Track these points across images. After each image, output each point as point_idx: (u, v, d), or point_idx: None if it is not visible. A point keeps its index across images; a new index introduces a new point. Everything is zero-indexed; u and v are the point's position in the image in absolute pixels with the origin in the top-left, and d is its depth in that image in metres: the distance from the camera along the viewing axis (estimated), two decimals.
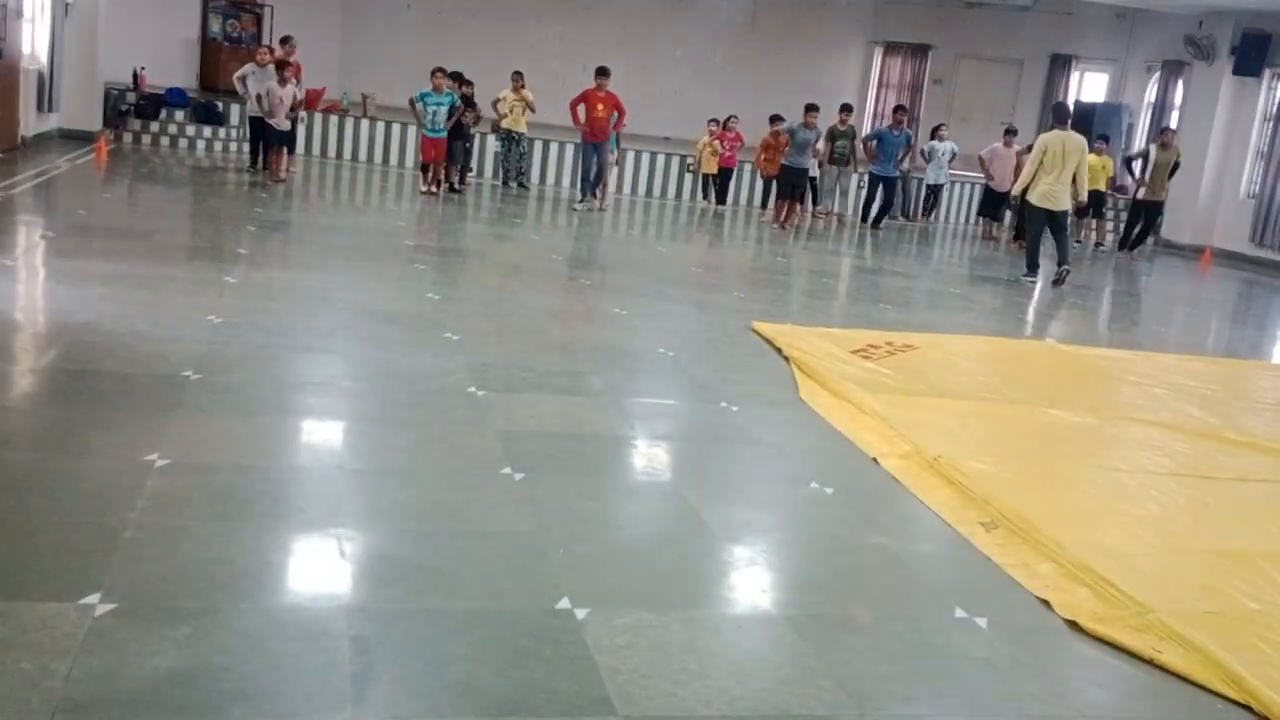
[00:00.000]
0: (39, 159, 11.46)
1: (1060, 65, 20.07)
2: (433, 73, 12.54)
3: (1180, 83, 17.62)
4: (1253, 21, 15.85)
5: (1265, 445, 5.64)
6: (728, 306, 8.19)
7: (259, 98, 12.21)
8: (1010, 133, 15.52)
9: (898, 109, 15.56)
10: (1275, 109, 16.10)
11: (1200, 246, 16.11)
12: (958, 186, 17.02)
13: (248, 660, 2.60)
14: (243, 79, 12.51)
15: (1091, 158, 14.93)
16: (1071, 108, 19.54)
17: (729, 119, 15.35)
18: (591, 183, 13.21)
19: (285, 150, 12.26)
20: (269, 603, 2.94)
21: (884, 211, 15.11)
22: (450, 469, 4.09)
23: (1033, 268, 11.24)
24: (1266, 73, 16.06)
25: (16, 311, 5.68)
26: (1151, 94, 18.48)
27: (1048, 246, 11.25)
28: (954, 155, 15.78)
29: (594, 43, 19.58)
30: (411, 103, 12.46)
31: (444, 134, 12.44)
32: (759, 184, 16.01)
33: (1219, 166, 16.53)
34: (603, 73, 12.82)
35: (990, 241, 15.15)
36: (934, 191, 16.26)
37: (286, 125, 12.20)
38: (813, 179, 14.95)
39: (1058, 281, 11.00)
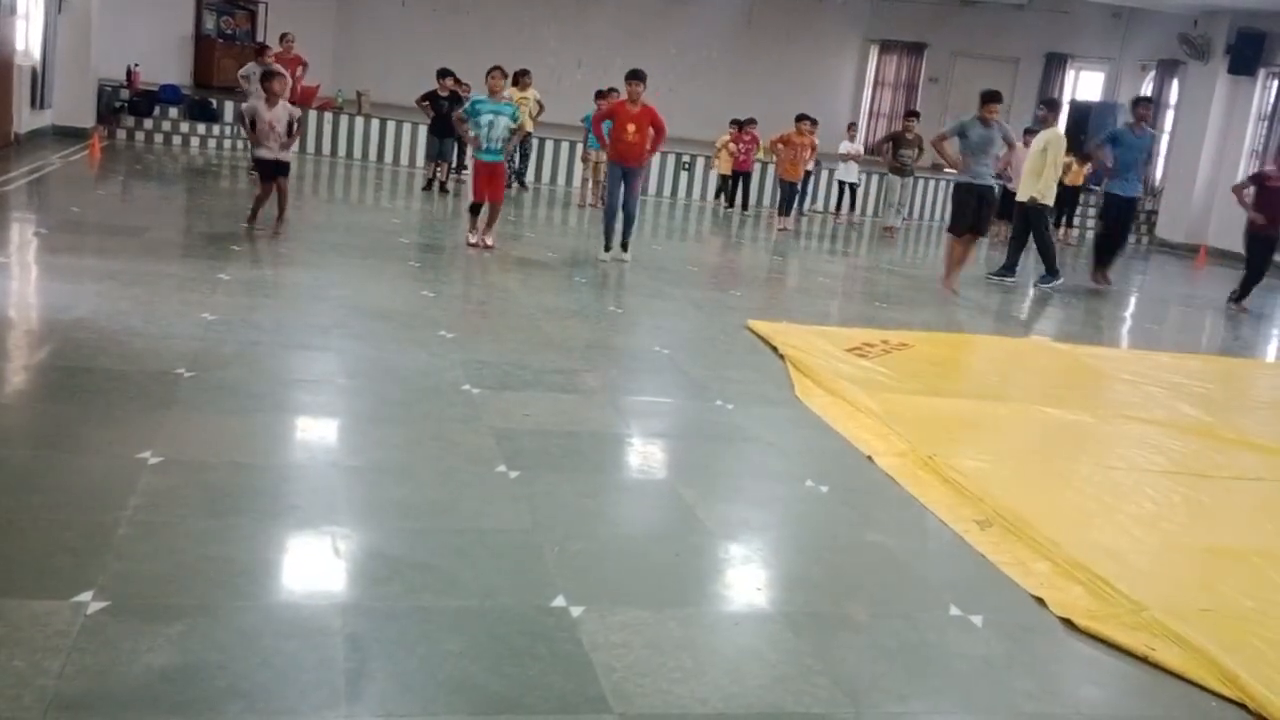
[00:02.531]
0: (32, 156, 11.43)
1: (1056, 64, 20.11)
2: (489, 73, 9.37)
3: (1175, 81, 17.66)
4: (1248, 20, 15.88)
5: (1260, 444, 5.64)
6: (724, 304, 8.19)
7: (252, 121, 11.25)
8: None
9: (1140, 101, 11.12)
10: (1270, 108, 16.14)
11: (1195, 245, 16.12)
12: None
13: (242, 658, 2.59)
14: (247, 78, 12.30)
15: None
16: (1066, 106, 19.64)
17: (747, 121, 14.77)
18: (622, 228, 9.57)
19: (281, 186, 8.77)
20: (263, 600, 2.93)
21: (1113, 251, 11.56)
22: (445, 466, 4.08)
23: (1056, 270, 10.79)
24: (1261, 72, 16.09)
25: (9, 309, 5.66)
26: (1146, 93, 18.50)
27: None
28: None
29: (589, 40, 19.61)
30: (457, 118, 9.70)
31: (501, 158, 9.39)
32: (761, 181, 15.86)
33: (1214, 165, 16.54)
34: (635, 77, 9.16)
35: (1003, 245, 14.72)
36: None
37: (285, 155, 8.78)
38: (796, 182, 14.24)
39: (1002, 276, 10.79)
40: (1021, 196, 10.89)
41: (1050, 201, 10.85)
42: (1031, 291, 10.74)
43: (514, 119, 9.28)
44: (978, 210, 9.57)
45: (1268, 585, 3.72)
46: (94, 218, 8.86)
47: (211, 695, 2.43)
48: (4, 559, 2.94)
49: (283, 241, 8.48)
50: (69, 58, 13.24)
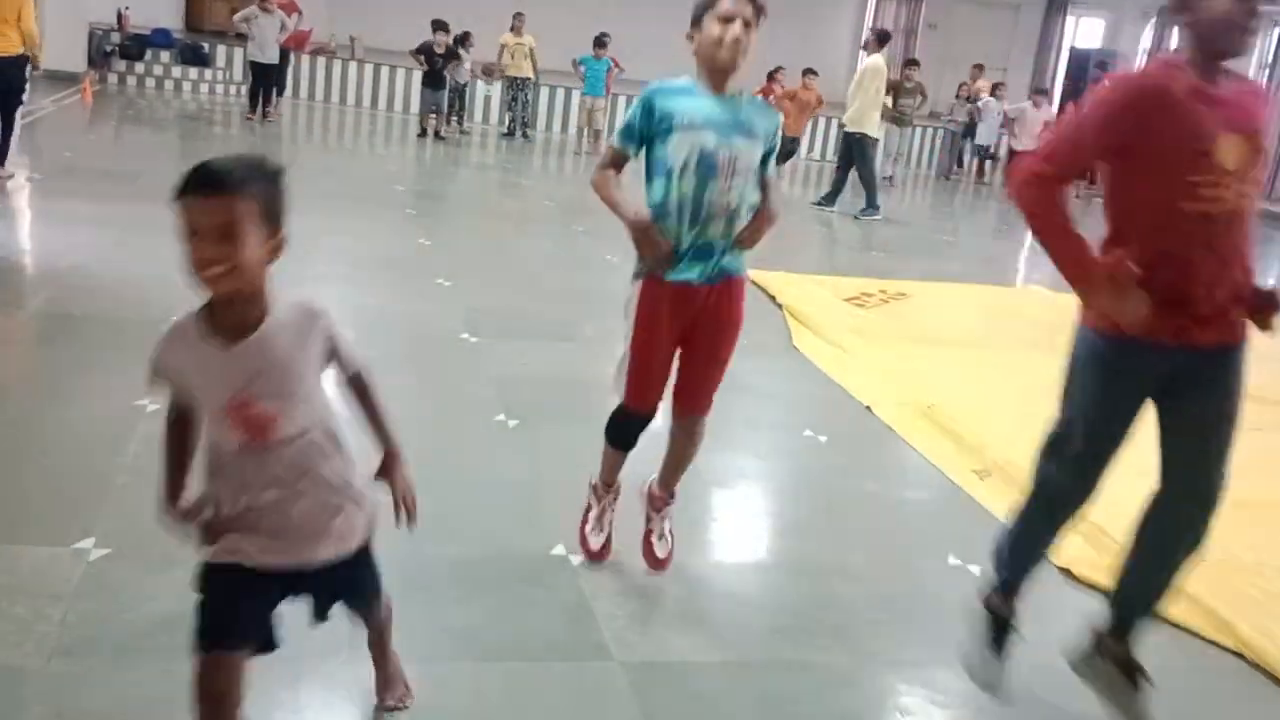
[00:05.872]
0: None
1: (1056, 10, 19.92)
2: (706, 8, 2.64)
3: (1176, 30, 17.47)
4: None
5: (1259, 395, 5.63)
6: None
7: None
8: (1041, 93, 15.21)
9: None
10: (1270, 56, 16.00)
11: None
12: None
13: None
14: (246, 20, 12.06)
15: None
16: (1067, 54, 19.43)
17: (776, 70, 13.88)
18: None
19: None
20: None
21: None
22: (445, 416, 4.07)
23: (875, 203, 10.99)
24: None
25: (3, 255, 5.61)
26: (1147, 41, 18.35)
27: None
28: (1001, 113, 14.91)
29: None
30: (601, 176, 2.91)
31: (742, 270, 3.02)
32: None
33: None
34: None
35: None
36: (982, 151, 15.64)
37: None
38: (798, 136, 14.06)
39: (822, 205, 11.11)
40: (849, 128, 11.07)
41: (873, 132, 10.92)
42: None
43: (773, 140, 2.84)
44: None
45: (1267, 537, 3.74)
46: (87, 163, 8.76)
47: None
48: (4, 506, 2.94)
49: None
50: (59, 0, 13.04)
